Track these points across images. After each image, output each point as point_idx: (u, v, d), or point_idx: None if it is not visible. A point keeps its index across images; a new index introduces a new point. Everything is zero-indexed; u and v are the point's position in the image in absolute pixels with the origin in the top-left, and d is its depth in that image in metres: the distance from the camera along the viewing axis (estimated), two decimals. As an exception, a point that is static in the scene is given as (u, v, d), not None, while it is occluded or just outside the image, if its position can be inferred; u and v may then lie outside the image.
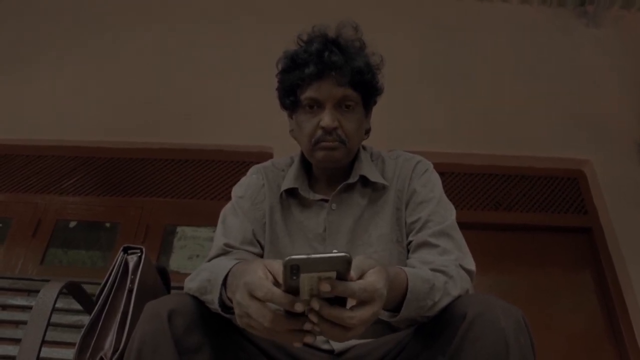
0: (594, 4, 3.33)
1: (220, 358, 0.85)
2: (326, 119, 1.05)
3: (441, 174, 1.18)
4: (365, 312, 0.65)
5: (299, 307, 0.63)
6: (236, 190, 1.19)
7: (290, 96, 1.12)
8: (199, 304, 0.86)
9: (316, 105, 1.08)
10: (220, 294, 0.81)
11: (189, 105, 3.09)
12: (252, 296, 0.67)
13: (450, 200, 1.12)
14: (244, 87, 3.07)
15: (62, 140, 3.06)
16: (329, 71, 1.05)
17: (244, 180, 1.22)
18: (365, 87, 1.11)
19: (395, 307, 0.81)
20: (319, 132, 1.07)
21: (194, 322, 0.83)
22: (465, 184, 2.95)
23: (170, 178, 3.00)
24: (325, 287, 0.62)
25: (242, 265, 0.79)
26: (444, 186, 1.15)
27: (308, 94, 1.07)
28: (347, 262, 0.63)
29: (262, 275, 0.67)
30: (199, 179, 2.99)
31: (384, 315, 0.83)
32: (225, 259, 0.97)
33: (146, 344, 0.78)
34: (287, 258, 0.61)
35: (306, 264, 0.61)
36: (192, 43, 3.32)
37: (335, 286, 0.63)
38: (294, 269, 0.61)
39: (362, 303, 0.66)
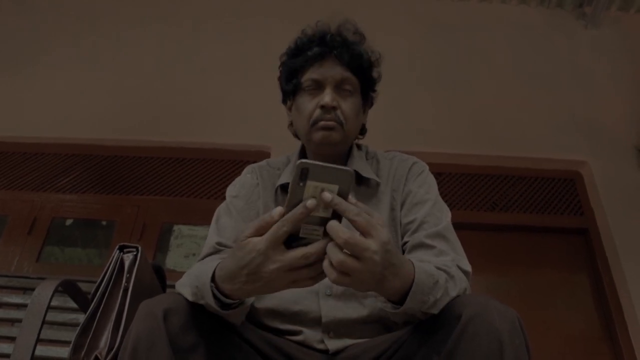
0: (592, 5, 3.33)
1: (216, 357, 0.84)
2: (326, 97, 1.10)
3: (438, 175, 1.18)
4: (367, 243, 0.68)
5: (311, 203, 0.67)
6: (230, 190, 1.19)
7: (292, 79, 1.16)
8: (195, 303, 0.86)
9: (316, 87, 1.13)
10: (214, 294, 0.81)
11: (187, 104, 3.09)
12: (260, 250, 0.70)
13: (447, 200, 1.13)
14: (243, 86, 3.07)
15: (59, 138, 3.05)
16: (330, 52, 1.12)
17: (238, 179, 1.22)
18: (364, 73, 1.16)
19: (399, 299, 0.80)
20: (318, 112, 1.11)
21: (190, 321, 0.82)
22: (462, 184, 2.95)
23: (167, 176, 3.00)
24: (327, 197, 0.67)
25: (223, 262, 0.80)
26: (441, 187, 1.16)
27: (309, 75, 1.13)
28: (352, 176, 0.69)
29: (251, 229, 0.72)
30: (196, 178, 2.99)
31: (387, 307, 0.83)
32: (212, 259, 0.98)
33: (141, 342, 0.78)
34: (299, 161, 0.67)
35: (315, 170, 0.66)
36: (191, 43, 3.32)
37: (335, 198, 0.67)
38: (304, 172, 0.66)
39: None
